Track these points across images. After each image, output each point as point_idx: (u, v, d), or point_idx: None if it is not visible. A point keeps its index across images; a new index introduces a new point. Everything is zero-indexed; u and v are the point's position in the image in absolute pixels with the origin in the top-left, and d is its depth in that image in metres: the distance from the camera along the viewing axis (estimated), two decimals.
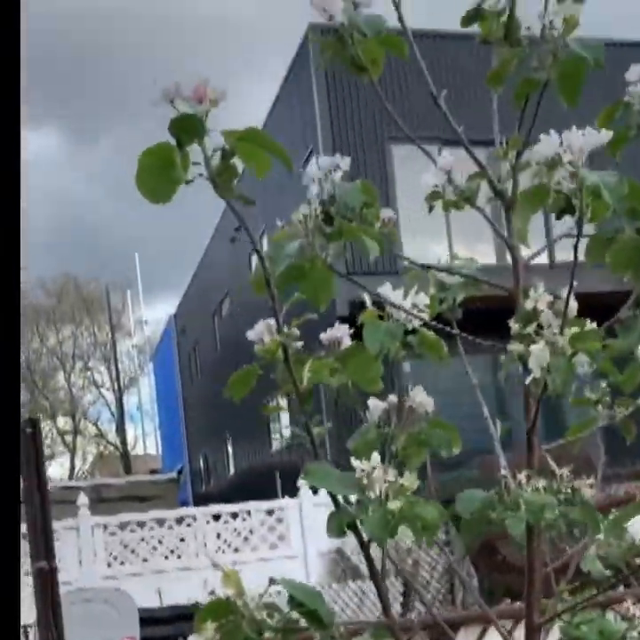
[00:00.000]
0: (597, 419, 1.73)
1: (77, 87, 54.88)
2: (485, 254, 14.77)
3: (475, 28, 1.79)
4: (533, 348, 1.35)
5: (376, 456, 1.34)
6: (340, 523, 1.35)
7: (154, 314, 69.29)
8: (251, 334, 1.85)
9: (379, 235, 1.59)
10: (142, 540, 13.37)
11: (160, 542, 13.51)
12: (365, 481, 1.32)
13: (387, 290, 1.69)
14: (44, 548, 3.78)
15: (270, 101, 19.19)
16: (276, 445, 21.66)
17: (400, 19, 1.61)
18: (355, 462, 1.35)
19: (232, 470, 26.93)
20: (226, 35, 57.22)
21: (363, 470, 1.31)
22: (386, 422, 1.62)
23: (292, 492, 14.77)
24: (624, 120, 1.65)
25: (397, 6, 1.62)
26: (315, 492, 13.83)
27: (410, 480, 1.32)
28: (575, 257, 1.38)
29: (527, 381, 1.38)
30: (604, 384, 1.75)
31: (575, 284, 1.43)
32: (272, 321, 1.82)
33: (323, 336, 1.81)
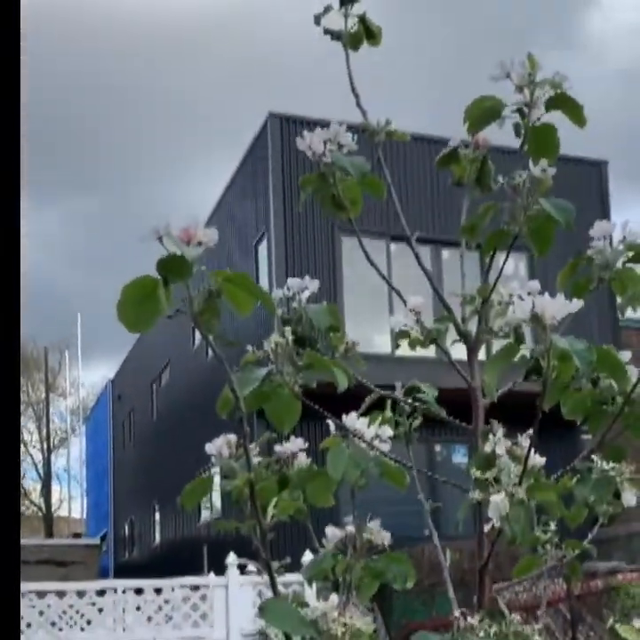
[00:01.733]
0: (545, 559, 1.76)
1: (40, 151, 55.28)
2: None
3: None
4: (493, 498, 1.39)
5: (334, 598, 1.35)
6: None
7: (91, 376, 68.64)
8: (209, 447, 1.86)
9: (346, 367, 1.63)
10: (63, 612, 12.98)
11: (80, 614, 13.12)
12: (323, 622, 1.33)
13: (351, 419, 1.72)
14: None
15: (224, 182, 19.45)
16: (204, 516, 21.34)
17: (379, 161, 1.68)
18: (313, 602, 1.36)
19: (158, 539, 26.41)
20: (181, 113, 58.23)
21: (321, 611, 1.32)
22: (342, 551, 1.64)
23: (219, 566, 14.53)
24: (586, 272, 1.73)
25: (376, 147, 1.69)
26: (242, 571, 13.61)
27: (366, 624, 1.34)
28: (539, 408, 1.42)
29: (486, 529, 1.41)
30: (552, 524, 1.78)
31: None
32: (232, 436, 1.84)
33: (277, 448, 1.84)
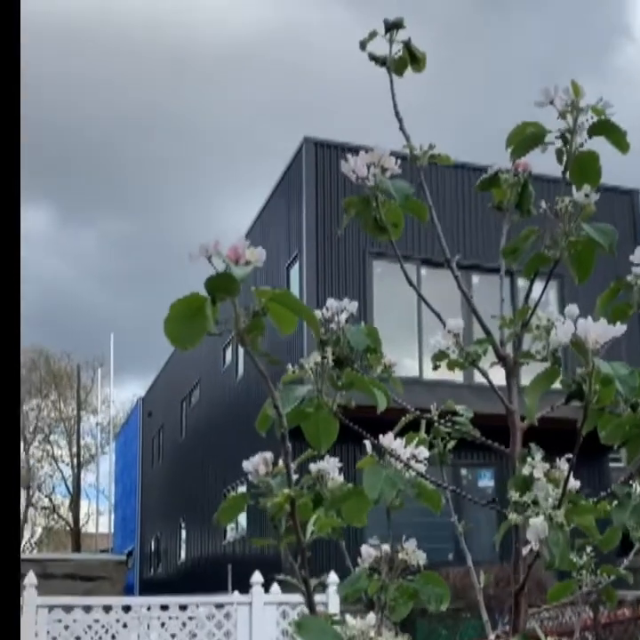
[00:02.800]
0: (580, 583, 1.76)
1: (77, 173, 56.37)
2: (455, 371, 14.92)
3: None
4: (533, 521, 1.39)
5: (371, 616, 1.36)
6: None
7: (122, 394, 69.29)
8: (246, 465, 1.88)
9: (385, 388, 1.64)
10: (88, 627, 13.02)
11: (105, 629, 13.15)
12: None
13: (388, 439, 1.73)
14: None
15: (256, 206, 19.62)
16: (230, 535, 21.34)
17: (421, 184, 1.70)
18: (350, 619, 1.37)
19: (183, 557, 26.43)
20: (214, 138, 58.92)
21: (359, 630, 1.33)
22: (376, 571, 1.65)
23: (243, 585, 14.51)
24: (625, 297, 1.74)
25: (421, 176, 1.71)
26: (266, 590, 13.58)
27: None
28: (580, 432, 1.43)
29: (525, 552, 1.41)
30: (588, 548, 1.78)
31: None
32: (268, 454, 1.86)
33: (312, 467, 1.85)
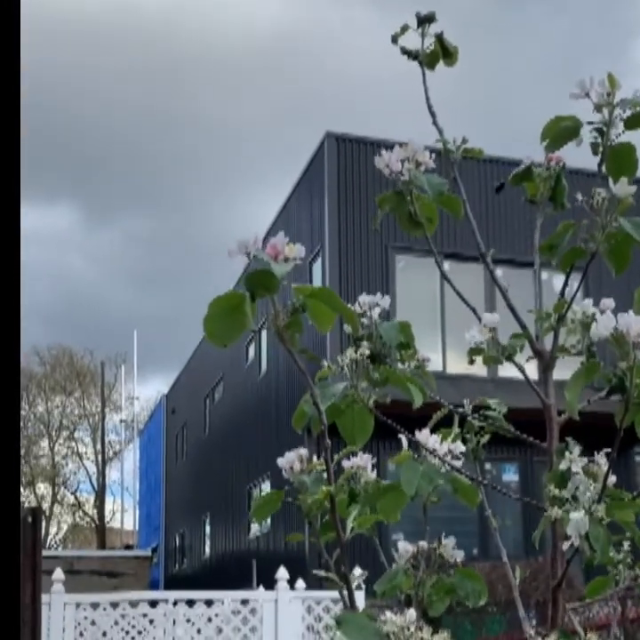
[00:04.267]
0: (619, 578, 1.75)
1: (101, 172, 56.81)
2: (479, 363, 14.91)
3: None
4: (573, 515, 1.39)
5: (412, 613, 1.36)
6: None
7: (145, 391, 69.72)
8: (281, 461, 1.87)
9: (420, 384, 1.64)
10: (115, 622, 13.10)
11: (131, 625, 13.23)
12: (400, 637, 1.34)
13: (424, 435, 1.73)
14: (31, 637, 3.72)
15: (279, 202, 19.60)
16: (254, 531, 21.38)
17: (455, 179, 1.69)
18: (390, 615, 1.37)
19: (207, 552, 26.52)
20: (238, 137, 59.04)
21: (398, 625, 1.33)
22: (414, 567, 1.65)
23: (268, 580, 14.54)
24: None
25: (453, 165, 1.71)
26: (292, 586, 13.61)
27: (444, 639, 1.34)
28: (620, 426, 1.42)
29: (565, 547, 1.40)
30: (626, 544, 1.77)
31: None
32: (303, 450, 1.86)
33: (345, 463, 1.85)
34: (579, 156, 1.87)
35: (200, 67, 56.65)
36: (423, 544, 1.66)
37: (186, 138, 58.47)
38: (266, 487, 19.80)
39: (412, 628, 1.36)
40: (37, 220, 56.11)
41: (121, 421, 39.55)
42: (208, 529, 26.42)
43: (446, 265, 16.07)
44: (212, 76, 57.13)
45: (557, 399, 1.70)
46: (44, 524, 41.92)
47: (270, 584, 14.03)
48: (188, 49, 55.98)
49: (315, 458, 1.80)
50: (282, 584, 13.64)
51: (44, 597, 12.72)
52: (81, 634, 12.94)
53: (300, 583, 13.72)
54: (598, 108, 1.59)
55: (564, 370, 1.72)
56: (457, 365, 15.73)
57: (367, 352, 1.63)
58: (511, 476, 16.77)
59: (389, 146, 1.75)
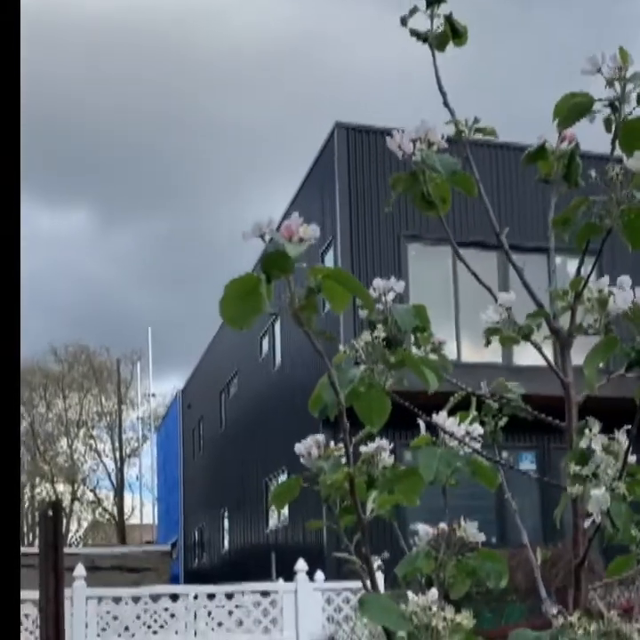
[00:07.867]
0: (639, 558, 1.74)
1: (117, 176, 57.19)
2: (493, 351, 14.89)
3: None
4: (594, 492, 1.38)
5: (434, 592, 1.35)
6: None
7: (161, 387, 70.06)
8: (299, 447, 1.87)
9: (436, 367, 1.63)
10: (137, 617, 13.17)
11: (153, 619, 13.30)
12: (423, 617, 1.33)
13: (441, 417, 1.72)
14: (55, 630, 3.73)
15: (290, 196, 19.57)
16: (272, 524, 21.43)
17: (467, 158, 1.69)
18: (412, 596, 1.37)
19: (226, 546, 26.61)
20: (248, 138, 59.20)
21: (420, 605, 1.33)
22: (435, 549, 1.64)
23: (287, 572, 14.58)
24: None
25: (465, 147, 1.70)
26: (311, 578, 13.64)
27: (467, 618, 1.34)
28: None
29: (586, 524, 1.40)
30: None
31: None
32: (320, 436, 1.85)
33: (363, 449, 1.84)
34: (587, 139, 1.86)
35: (212, 67, 56.83)
36: (444, 526, 1.65)
37: (199, 139, 58.72)
38: (283, 480, 19.82)
39: (434, 608, 1.36)
40: (57, 224, 56.74)
41: (138, 418, 39.71)
42: (226, 523, 26.49)
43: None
44: (225, 78, 57.32)
45: (575, 381, 1.69)
46: (64, 521, 42.20)
47: (289, 577, 14.07)
48: (201, 51, 56.13)
49: (332, 445, 1.80)
50: (301, 576, 13.69)
51: (67, 592, 12.80)
52: (103, 629, 13.01)
53: (320, 575, 13.75)
54: (610, 83, 1.58)
55: (580, 354, 1.71)
56: (472, 354, 15.71)
57: (383, 335, 1.62)
58: (528, 464, 16.74)
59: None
